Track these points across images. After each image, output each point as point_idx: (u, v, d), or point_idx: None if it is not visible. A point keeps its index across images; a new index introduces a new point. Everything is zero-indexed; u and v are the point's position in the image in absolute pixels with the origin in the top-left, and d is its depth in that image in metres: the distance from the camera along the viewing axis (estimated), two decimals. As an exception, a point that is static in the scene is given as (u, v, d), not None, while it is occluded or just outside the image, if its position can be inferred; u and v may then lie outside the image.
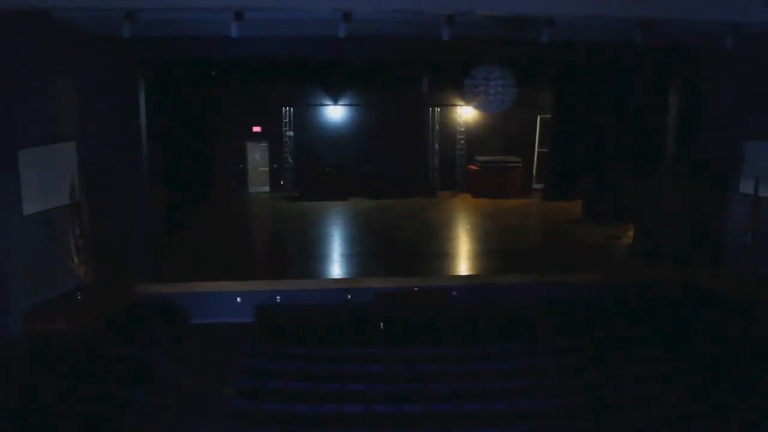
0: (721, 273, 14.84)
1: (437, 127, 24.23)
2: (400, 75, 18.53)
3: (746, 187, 14.30)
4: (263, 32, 13.27)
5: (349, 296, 14.40)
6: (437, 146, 24.30)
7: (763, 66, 14.15)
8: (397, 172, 23.58)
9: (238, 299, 14.14)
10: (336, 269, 15.85)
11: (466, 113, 24.11)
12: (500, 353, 11.81)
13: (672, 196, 16.13)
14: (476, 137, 24.46)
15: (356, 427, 9.23)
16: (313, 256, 16.69)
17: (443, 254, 16.82)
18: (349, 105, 23.83)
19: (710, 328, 12.51)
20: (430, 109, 24.09)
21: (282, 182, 23.91)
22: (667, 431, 9.05)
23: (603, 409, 9.75)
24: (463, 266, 16.40)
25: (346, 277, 15.04)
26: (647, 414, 9.55)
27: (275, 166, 24.04)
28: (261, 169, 24.23)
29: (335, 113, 24.00)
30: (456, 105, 23.93)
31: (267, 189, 24.20)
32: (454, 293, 14.69)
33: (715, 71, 15.20)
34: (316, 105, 23.83)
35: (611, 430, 9.13)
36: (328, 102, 23.71)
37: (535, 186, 24.34)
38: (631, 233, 17.77)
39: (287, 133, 23.53)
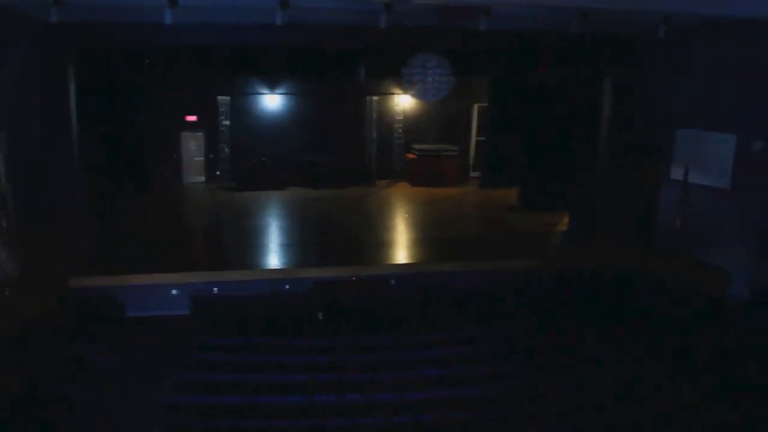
0: (653, 257, 15.20)
1: (375, 115, 24.16)
2: (337, 63, 18.42)
3: (677, 174, 14.69)
4: (198, 19, 13.05)
5: (287, 287, 14.30)
6: (375, 135, 24.24)
7: (693, 56, 14.53)
8: (334, 162, 23.46)
9: (174, 291, 13.90)
10: (273, 260, 15.73)
11: (404, 102, 24.11)
12: (439, 341, 11.89)
13: (606, 183, 16.46)
14: (414, 126, 24.49)
15: (297, 417, 9.18)
16: (250, 246, 16.52)
17: (381, 243, 16.83)
18: (286, 94, 23.58)
19: (644, 310, 12.84)
20: (368, 97, 24.00)
21: (218, 173, 23.54)
22: (602, 414, 9.24)
23: (538, 394, 9.91)
24: (401, 255, 16.44)
25: (284, 267, 14.94)
26: (581, 399, 9.74)
27: (211, 156, 23.64)
28: (197, 159, 23.80)
29: (272, 102, 23.73)
30: (394, 93, 23.90)
31: (203, 180, 23.80)
32: (392, 282, 14.72)
33: (649, 61, 15.53)
34: (252, 94, 23.52)
35: (546, 416, 9.27)
36: (265, 91, 23.42)
37: (473, 174, 24.51)
38: (566, 220, 18.08)
39: (223, 123, 23.14)
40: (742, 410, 9.22)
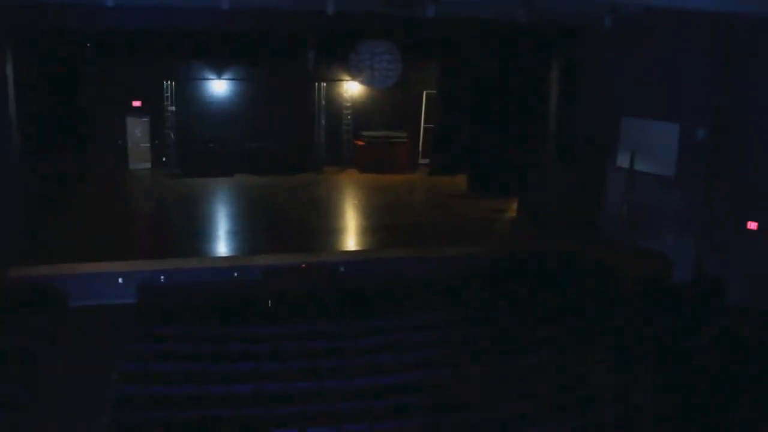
0: (599, 242, 15.46)
1: (323, 102, 24.04)
2: (285, 49, 18.28)
3: (622, 161, 14.95)
4: (142, 2, 12.78)
5: (236, 274, 14.20)
6: (324, 121, 24.12)
7: (638, 45, 14.76)
8: (282, 148, 23.28)
9: (120, 280, 13.67)
10: (221, 247, 15.59)
11: (352, 88, 24.04)
12: (388, 327, 11.93)
13: (553, 170, 16.68)
14: (363, 112, 24.43)
15: (246, 406, 9.13)
16: (197, 233, 16.32)
17: (330, 230, 16.79)
18: (233, 79, 23.31)
19: (589, 295, 13.09)
20: (317, 83, 23.86)
21: (164, 159, 23.17)
22: (550, 396, 9.40)
23: (487, 379, 10.04)
24: (350, 242, 16.44)
25: (232, 254, 14.81)
26: (529, 383, 9.89)
27: (157, 142, 23.25)
28: (142, 145, 23.37)
29: (219, 87, 23.42)
30: (342, 80, 23.81)
31: (149, 166, 23.39)
32: (342, 269, 14.71)
33: (594, 50, 15.74)
34: (199, 79, 23.19)
35: (496, 400, 9.39)
36: (212, 76, 23.12)
37: (422, 161, 24.59)
38: (514, 207, 18.27)
39: (169, 108, 22.78)
40: (686, 388, 9.49)
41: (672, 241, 14.25)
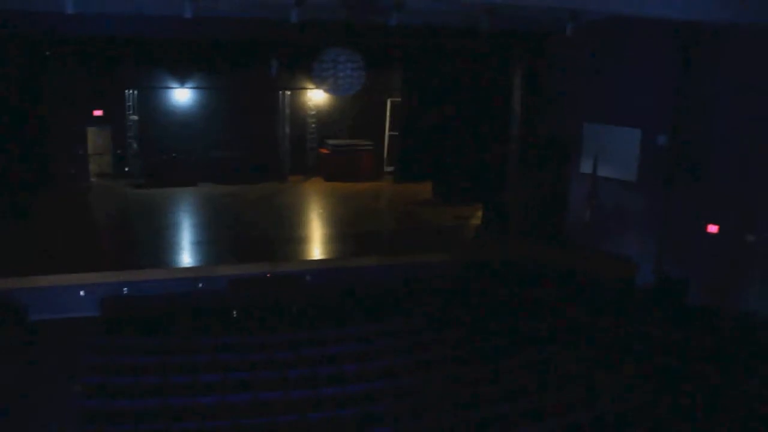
0: (564, 248, 15.59)
1: (287, 110, 23.96)
2: (248, 57, 18.18)
3: (586, 167, 15.11)
4: (102, 9, 12.63)
5: (201, 285, 14.06)
6: (288, 130, 24.03)
7: (599, 52, 14.95)
8: (246, 157, 23.12)
9: (82, 292, 13.46)
10: (186, 257, 15.44)
11: (316, 96, 23.99)
12: (355, 336, 11.92)
13: (517, 177, 16.81)
14: (327, 121, 24.40)
15: (211, 418, 9.04)
16: (161, 244, 16.16)
17: (296, 239, 16.73)
18: (196, 88, 23.12)
19: (550, 301, 13.20)
20: (280, 92, 23.78)
21: (126, 168, 22.88)
22: (516, 403, 9.44)
23: (458, 386, 10.06)
24: (316, 251, 16.39)
25: (197, 265, 14.68)
26: (494, 388, 9.93)
27: (119, 151, 22.96)
28: (104, 155, 23.07)
29: (182, 96, 23.19)
30: (306, 88, 23.75)
31: (111, 176, 23.08)
32: (308, 278, 14.66)
33: (556, 57, 15.91)
34: (161, 88, 22.96)
35: (461, 405, 9.42)
36: (175, 85, 22.90)
37: (387, 169, 24.61)
38: (479, 213, 18.35)
39: (131, 117, 22.51)
40: (651, 389, 9.61)
41: (634, 244, 14.44)
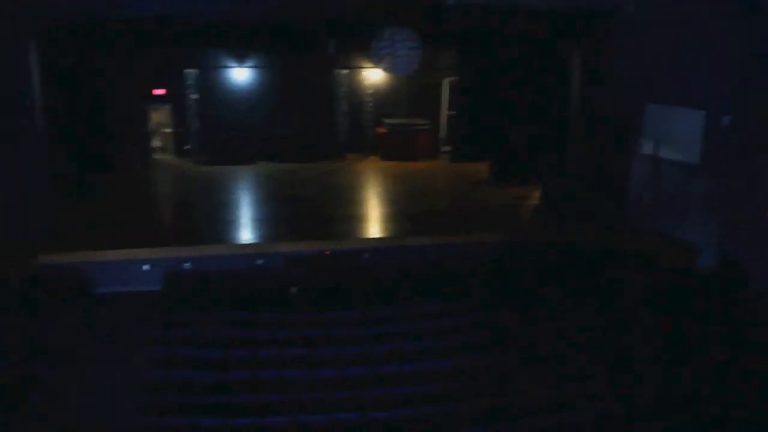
0: (623, 232, 15.37)
1: (345, 89, 24.04)
2: (306, 37, 18.29)
3: (647, 149, 14.83)
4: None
5: (260, 261, 14.28)
6: (345, 109, 24.14)
7: (662, 30, 14.62)
8: (304, 136, 23.33)
9: (146, 267, 13.81)
10: (245, 234, 15.68)
11: (373, 75, 24.00)
12: (412, 315, 11.98)
13: (576, 158, 16.58)
14: (385, 100, 24.40)
15: (269, 392, 9.22)
16: (221, 221, 16.44)
17: (353, 217, 16.83)
18: (255, 67, 23.35)
19: (612, 283, 13.04)
20: (338, 71, 23.87)
21: (187, 147, 23.32)
22: (574, 389, 9.40)
23: (512, 369, 10.06)
24: (373, 229, 16.47)
25: (256, 242, 14.90)
26: (554, 373, 9.90)
27: (180, 130, 23.40)
28: (165, 133, 23.55)
29: (241, 75, 23.46)
30: (363, 67, 23.78)
31: (171, 154, 23.58)
32: (365, 256, 14.76)
33: (618, 35, 15.59)
34: (221, 67, 23.26)
35: (520, 389, 9.42)
36: (234, 64, 23.16)
37: (444, 148, 24.54)
38: (537, 194, 18.20)
39: (191, 96, 22.89)
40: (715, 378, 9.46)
41: (696, 228, 14.15)
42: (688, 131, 14.18)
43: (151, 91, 22.79)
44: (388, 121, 23.85)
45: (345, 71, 23.85)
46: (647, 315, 11.58)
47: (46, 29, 14.28)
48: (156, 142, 23.57)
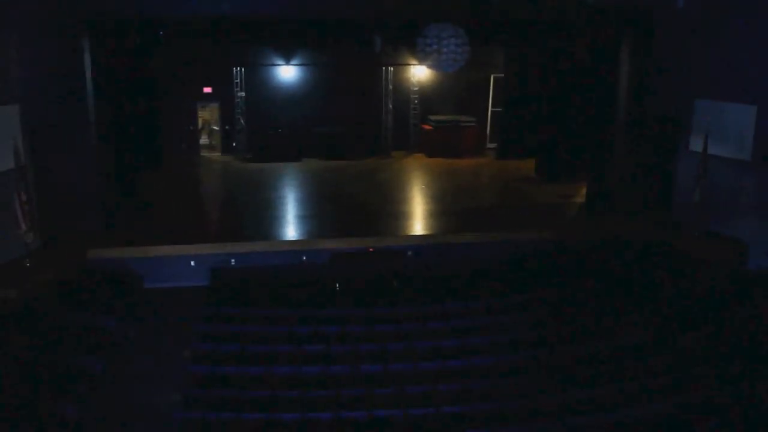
0: (671, 229, 15.12)
1: (390, 86, 24.06)
2: (352, 34, 18.31)
3: (695, 145, 14.55)
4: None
5: (305, 258, 14.37)
6: (390, 106, 24.16)
7: (711, 25, 14.33)
8: (350, 133, 23.42)
9: (193, 263, 14.01)
10: (290, 231, 15.79)
11: (419, 72, 23.99)
12: (456, 312, 11.94)
13: (624, 155, 16.34)
14: (430, 96, 24.39)
15: (314, 388, 9.28)
16: (267, 218, 16.57)
17: (398, 214, 16.83)
18: (301, 65, 23.51)
19: (660, 281, 12.84)
20: (383, 68, 23.89)
21: (234, 144, 23.58)
22: (617, 384, 9.29)
23: (557, 365, 9.97)
24: (417, 226, 16.45)
25: (301, 238, 14.99)
26: (598, 369, 9.78)
27: (227, 127, 23.68)
28: (213, 130, 23.87)
29: (287, 73, 23.65)
30: (409, 64, 23.77)
31: (219, 151, 23.88)
32: (409, 253, 14.75)
33: (666, 31, 15.33)
34: (267, 65, 23.45)
35: (563, 386, 9.33)
36: (280, 62, 23.34)
37: (489, 145, 24.43)
38: (583, 192, 17.98)
39: (239, 94, 23.14)
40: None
41: (748, 226, 13.83)
42: (738, 127, 13.86)
43: (199, 90, 23.09)
44: (433, 117, 23.83)
45: (391, 68, 23.86)
46: (696, 315, 11.36)
47: (100, 29, 14.53)
48: (204, 140, 23.88)
